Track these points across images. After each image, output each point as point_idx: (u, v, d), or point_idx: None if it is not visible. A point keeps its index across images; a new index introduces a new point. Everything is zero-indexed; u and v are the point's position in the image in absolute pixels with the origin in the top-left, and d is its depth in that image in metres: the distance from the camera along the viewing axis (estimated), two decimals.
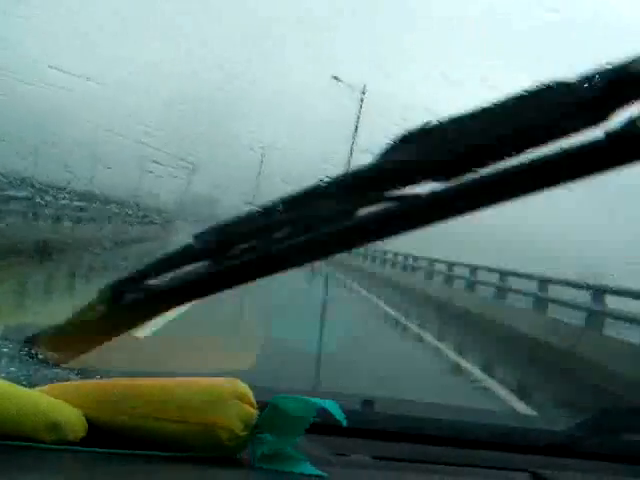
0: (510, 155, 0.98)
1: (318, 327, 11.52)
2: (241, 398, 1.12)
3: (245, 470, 1.13)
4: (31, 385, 1.23)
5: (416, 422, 1.56)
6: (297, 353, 7.39)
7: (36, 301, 9.33)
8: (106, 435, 1.10)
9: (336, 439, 1.40)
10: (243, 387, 1.14)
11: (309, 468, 1.14)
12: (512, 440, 1.57)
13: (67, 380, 1.40)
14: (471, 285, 20.38)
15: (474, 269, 20.35)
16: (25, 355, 1.61)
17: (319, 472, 1.13)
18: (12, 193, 14.79)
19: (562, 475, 1.39)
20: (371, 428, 1.46)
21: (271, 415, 1.13)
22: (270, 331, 8.44)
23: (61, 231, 18.34)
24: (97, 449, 1.07)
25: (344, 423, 1.14)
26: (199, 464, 1.10)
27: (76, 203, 19.73)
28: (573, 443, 1.60)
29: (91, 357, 1.52)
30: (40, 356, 1.58)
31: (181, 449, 1.10)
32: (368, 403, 1.60)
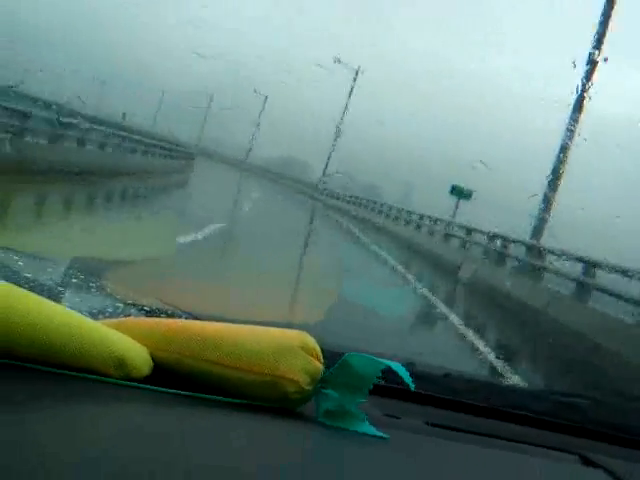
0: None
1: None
2: (309, 352, 1.10)
3: (307, 424, 1.11)
4: (96, 317, 1.23)
5: (466, 392, 1.54)
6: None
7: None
8: (170, 375, 1.09)
9: (388, 401, 1.39)
10: (312, 341, 1.12)
11: (370, 429, 1.12)
12: (564, 420, 1.53)
13: (134, 316, 1.40)
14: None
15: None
16: (93, 288, 1.62)
17: (381, 433, 1.11)
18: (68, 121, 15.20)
19: (612, 462, 1.34)
20: (422, 393, 1.44)
21: (338, 372, 1.11)
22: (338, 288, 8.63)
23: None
24: (161, 389, 1.06)
25: (412, 387, 1.11)
26: (262, 414, 1.08)
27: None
28: (627, 430, 1.55)
29: (159, 295, 1.52)
30: (108, 290, 1.59)
31: (245, 397, 1.09)
32: (411, 365, 1.58)
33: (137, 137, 21.61)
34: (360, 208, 38.31)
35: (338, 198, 38.79)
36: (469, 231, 23.53)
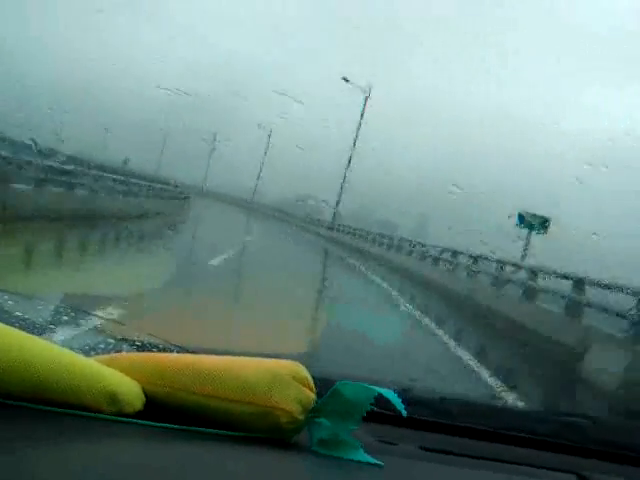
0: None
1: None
2: (301, 381, 1.11)
3: (301, 454, 1.11)
4: (88, 354, 1.24)
5: (461, 416, 1.54)
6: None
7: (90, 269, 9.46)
8: (163, 410, 1.09)
9: (383, 427, 1.39)
10: (302, 370, 1.13)
11: (365, 456, 1.12)
12: (560, 440, 1.53)
13: (126, 352, 1.40)
14: None
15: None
16: (83, 324, 1.62)
17: (376, 460, 1.11)
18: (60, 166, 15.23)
19: None
20: (417, 418, 1.45)
21: (330, 400, 1.12)
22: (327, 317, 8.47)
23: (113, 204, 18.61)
24: (154, 423, 1.06)
25: (404, 414, 1.12)
26: (255, 445, 1.09)
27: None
28: (626, 448, 1.55)
29: (151, 330, 1.52)
30: (99, 326, 1.59)
31: (238, 429, 1.09)
32: (407, 391, 1.58)
33: (119, 180, 21.02)
34: (379, 247, 31.89)
35: (354, 234, 34.64)
36: (580, 282, 13.06)
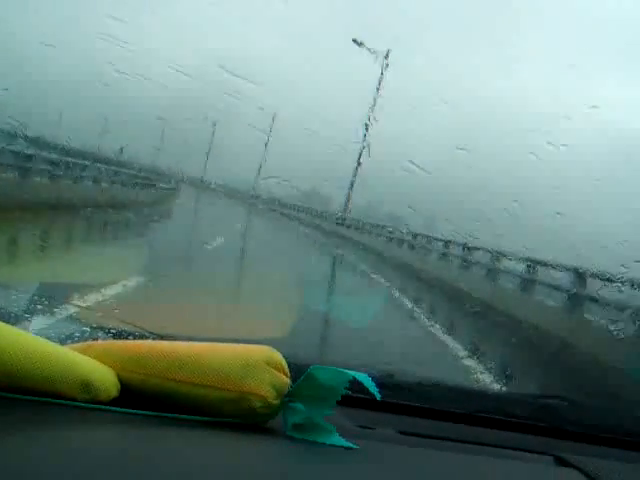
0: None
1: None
2: (275, 366, 1.12)
3: (276, 438, 1.12)
4: (64, 342, 1.24)
5: (440, 399, 1.55)
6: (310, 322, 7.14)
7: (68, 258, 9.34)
8: (138, 397, 1.10)
9: (361, 412, 1.40)
10: (277, 355, 1.13)
11: (339, 440, 1.13)
12: (537, 422, 1.55)
13: (101, 339, 1.40)
14: None
15: None
16: (59, 312, 1.62)
17: (350, 444, 1.12)
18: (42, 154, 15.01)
19: (586, 461, 1.35)
20: (395, 402, 1.46)
21: (305, 385, 1.13)
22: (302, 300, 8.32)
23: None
24: (129, 410, 1.07)
25: (378, 397, 1.13)
26: (230, 430, 1.09)
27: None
28: (601, 429, 1.57)
29: (124, 318, 1.53)
30: (74, 314, 1.59)
31: (213, 414, 1.10)
32: (389, 376, 1.59)
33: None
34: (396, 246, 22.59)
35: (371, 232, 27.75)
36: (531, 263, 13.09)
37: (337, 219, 30.22)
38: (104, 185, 20.15)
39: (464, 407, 1.53)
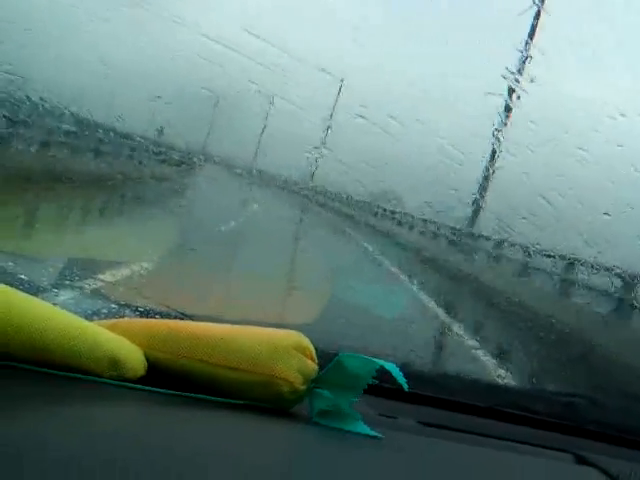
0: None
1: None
2: (303, 351, 1.11)
3: (301, 424, 1.12)
4: (90, 318, 1.23)
5: (461, 392, 1.55)
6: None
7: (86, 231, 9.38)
8: (165, 376, 1.09)
9: (382, 400, 1.39)
10: (305, 340, 1.12)
11: (365, 428, 1.12)
12: (560, 420, 1.54)
13: (128, 317, 1.40)
14: None
15: None
16: (87, 288, 1.63)
17: (375, 433, 1.11)
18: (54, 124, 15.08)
19: (606, 460, 1.34)
20: (417, 393, 1.45)
21: (332, 372, 1.12)
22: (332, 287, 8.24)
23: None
24: (155, 389, 1.06)
25: (405, 387, 1.11)
26: (256, 414, 1.09)
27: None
28: (622, 430, 1.55)
29: (152, 295, 1.52)
30: (103, 291, 1.59)
31: (239, 397, 1.09)
32: (411, 366, 1.58)
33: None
34: None
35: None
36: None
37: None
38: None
39: (485, 401, 1.53)
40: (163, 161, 21.95)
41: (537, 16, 14.19)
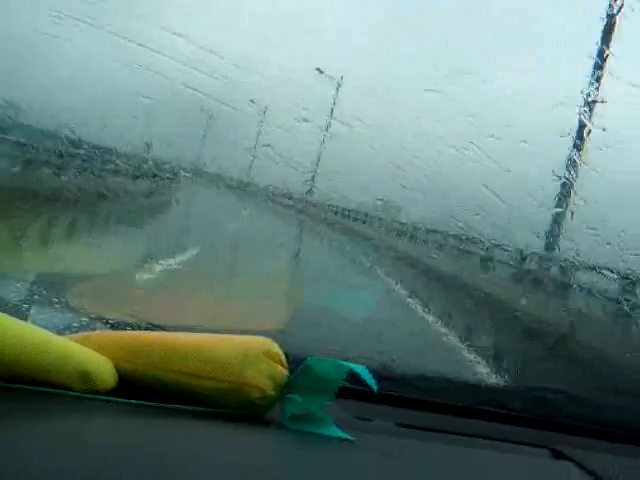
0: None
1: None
2: (272, 357, 1.12)
3: (273, 429, 1.13)
4: (62, 333, 1.24)
5: (437, 391, 1.55)
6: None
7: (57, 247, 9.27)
8: (136, 387, 1.10)
9: (359, 403, 1.40)
10: (274, 346, 1.13)
11: (337, 431, 1.13)
12: (535, 416, 1.55)
13: (99, 330, 1.40)
14: None
15: None
16: (57, 303, 1.62)
17: (347, 435, 1.12)
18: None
19: (583, 454, 1.36)
20: (393, 394, 1.46)
21: (302, 376, 1.13)
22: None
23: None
24: (127, 400, 1.07)
25: (375, 389, 1.13)
26: (228, 421, 1.10)
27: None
28: (598, 423, 1.57)
29: (121, 308, 1.53)
30: (72, 304, 1.59)
31: (210, 405, 1.10)
32: (387, 368, 1.59)
33: None
34: None
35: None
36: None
37: None
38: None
39: (462, 400, 1.54)
40: (154, 175, 21.61)
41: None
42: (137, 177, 23.29)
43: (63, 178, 16.10)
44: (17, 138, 14.77)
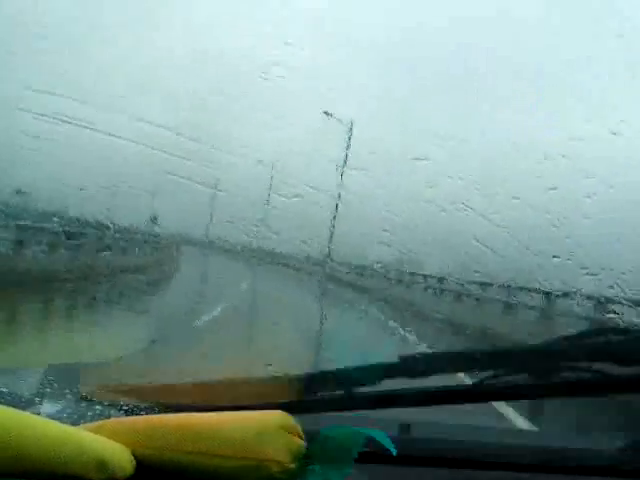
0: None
1: None
2: (289, 430, 1.12)
3: None
4: (76, 423, 1.23)
5: (454, 445, 1.54)
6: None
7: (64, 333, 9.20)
8: (155, 471, 1.09)
9: (378, 467, 1.38)
10: (289, 419, 1.13)
11: None
12: (553, 462, 1.53)
13: (114, 417, 1.40)
14: None
15: None
16: (69, 393, 1.62)
17: None
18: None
19: None
20: (410, 454, 1.44)
21: (320, 446, 1.12)
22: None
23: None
24: None
25: (394, 453, 1.12)
26: None
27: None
28: (621, 464, 1.54)
29: (135, 394, 1.52)
30: (84, 393, 1.59)
31: None
32: (405, 427, 1.58)
33: None
34: None
35: None
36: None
37: None
38: None
39: (478, 453, 1.52)
40: (158, 248, 21.39)
41: None
42: (139, 251, 23.33)
43: (64, 258, 16.13)
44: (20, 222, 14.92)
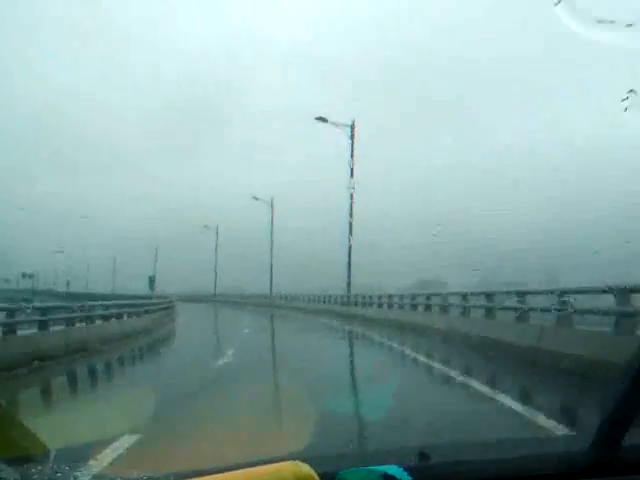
0: None
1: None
2: (306, 479, 1.11)
3: None
4: None
5: (472, 466, 1.53)
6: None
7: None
8: None
9: None
10: (305, 467, 1.13)
11: None
12: (577, 468, 1.52)
13: None
14: None
15: None
16: (80, 475, 1.60)
17: None
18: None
19: None
20: None
21: None
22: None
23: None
24: None
25: None
26: None
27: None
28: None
29: (148, 469, 1.51)
30: (95, 471, 1.57)
31: None
32: (424, 456, 1.58)
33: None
34: None
35: None
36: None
37: None
38: None
39: (497, 470, 1.52)
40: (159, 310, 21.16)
41: None
42: (138, 314, 23.21)
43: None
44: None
